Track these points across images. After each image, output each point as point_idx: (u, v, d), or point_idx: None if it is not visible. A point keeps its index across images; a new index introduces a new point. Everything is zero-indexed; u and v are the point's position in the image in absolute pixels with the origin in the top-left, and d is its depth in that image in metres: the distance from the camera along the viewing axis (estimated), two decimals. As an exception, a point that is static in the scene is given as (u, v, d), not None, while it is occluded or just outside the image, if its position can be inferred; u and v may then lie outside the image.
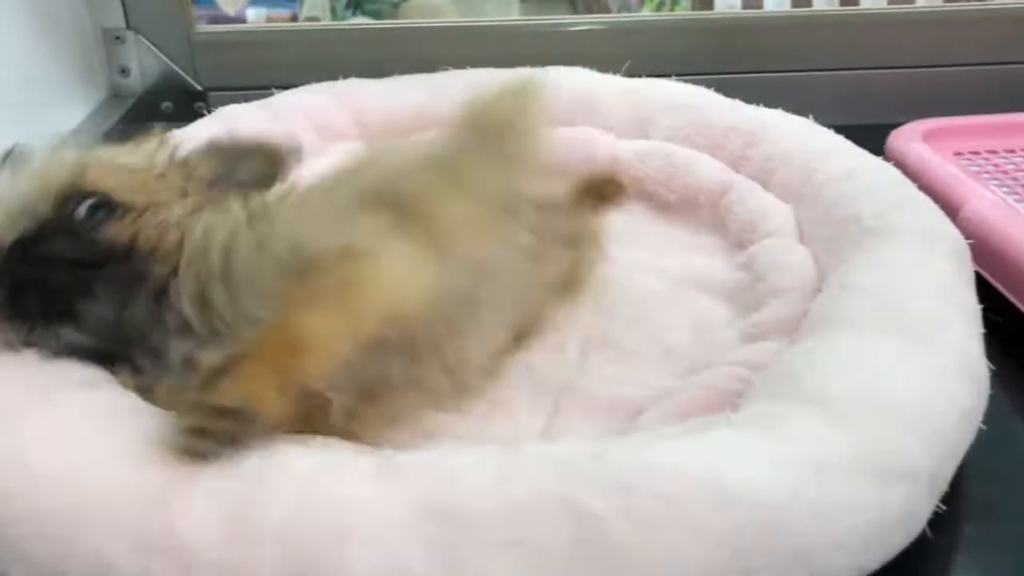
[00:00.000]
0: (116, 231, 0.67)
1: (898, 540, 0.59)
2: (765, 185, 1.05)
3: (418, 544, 0.52)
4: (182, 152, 0.78)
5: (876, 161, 1.00)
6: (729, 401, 0.74)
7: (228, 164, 0.77)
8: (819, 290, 0.84)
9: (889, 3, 1.51)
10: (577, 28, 1.47)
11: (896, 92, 1.40)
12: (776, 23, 1.45)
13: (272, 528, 0.52)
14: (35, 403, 0.62)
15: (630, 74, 1.26)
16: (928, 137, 1.17)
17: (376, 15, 2.02)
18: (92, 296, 0.65)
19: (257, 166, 0.78)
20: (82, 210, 0.66)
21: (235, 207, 0.71)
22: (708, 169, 1.09)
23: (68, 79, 1.34)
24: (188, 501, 0.54)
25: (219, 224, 0.69)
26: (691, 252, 1.03)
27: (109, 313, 0.65)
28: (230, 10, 1.53)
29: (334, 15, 1.96)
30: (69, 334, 0.66)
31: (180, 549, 0.52)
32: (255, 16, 1.79)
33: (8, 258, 0.64)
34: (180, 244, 0.69)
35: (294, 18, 1.84)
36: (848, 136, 1.06)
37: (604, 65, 1.27)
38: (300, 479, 0.55)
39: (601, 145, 1.16)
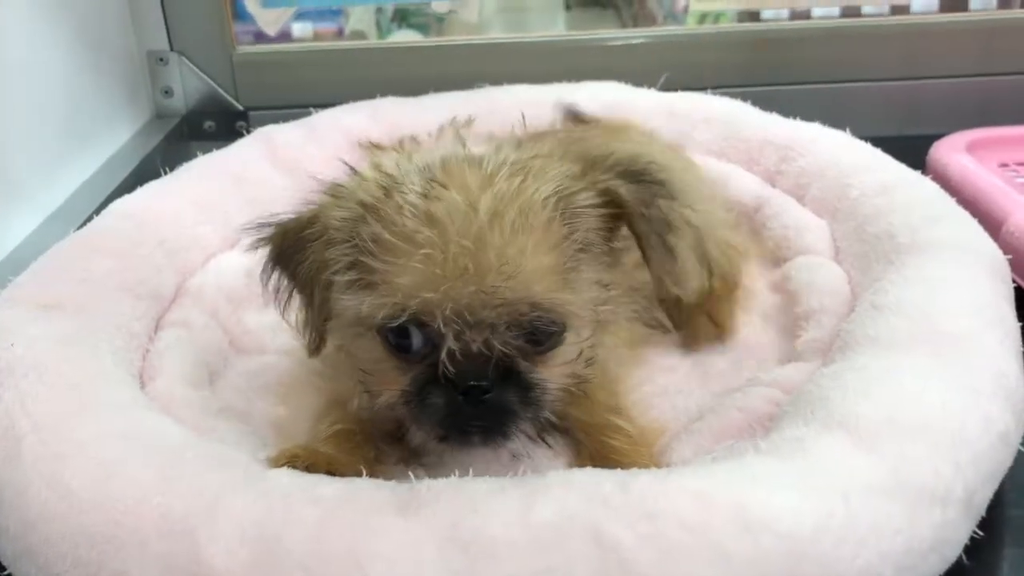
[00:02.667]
0: (551, 371, 0.66)
1: (932, 567, 0.57)
2: (800, 200, 1.04)
3: (441, 572, 0.52)
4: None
5: (913, 175, 0.98)
6: (760, 424, 0.73)
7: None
8: (852, 309, 0.83)
9: (940, 11, 1.47)
10: (617, 43, 1.47)
11: (939, 102, 1.38)
12: (817, 34, 1.43)
13: (296, 556, 0.53)
14: (79, 425, 0.64)
15: (667, 87, 1.26)
16: (972, 148, 1.15)
17: (421, 29, 2.03)
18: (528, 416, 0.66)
19: None
20: (534, 336, 0.64)
21: None
22: (743, 183, 1.09)
23: (114, 100, 1.37)
24: (214, 527, 0.55)
25: None
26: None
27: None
28: (271, 30, 1.55)
29: (379, 29, 1.98)
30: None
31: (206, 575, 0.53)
32: (301, 30, 1.81)
33: (467, 404, 0.63)
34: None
35: (340, 32, 1.86)
36: (889, 148, 1.04)
37: (642, 79, 1.27)
38: (325, 507, 0.55)
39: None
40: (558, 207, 0.64)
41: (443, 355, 0.61)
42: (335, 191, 0.69)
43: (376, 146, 0.77)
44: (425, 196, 0.63)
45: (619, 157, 0.73)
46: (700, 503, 0.54)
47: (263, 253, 0.71)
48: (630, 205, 0.68)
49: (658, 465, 0.70)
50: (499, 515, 0.54)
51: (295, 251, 0.68)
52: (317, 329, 0.70)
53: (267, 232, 0.71)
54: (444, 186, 0.63)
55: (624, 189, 0.68)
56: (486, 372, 0.62)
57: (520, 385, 0.64)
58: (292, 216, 0.71)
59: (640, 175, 0.70)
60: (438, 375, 0.62)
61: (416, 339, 0.63)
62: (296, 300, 0.71)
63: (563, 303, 0.63)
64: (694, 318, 0.88)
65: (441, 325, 0.60)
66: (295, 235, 0.69)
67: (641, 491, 0.55)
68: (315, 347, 0.71)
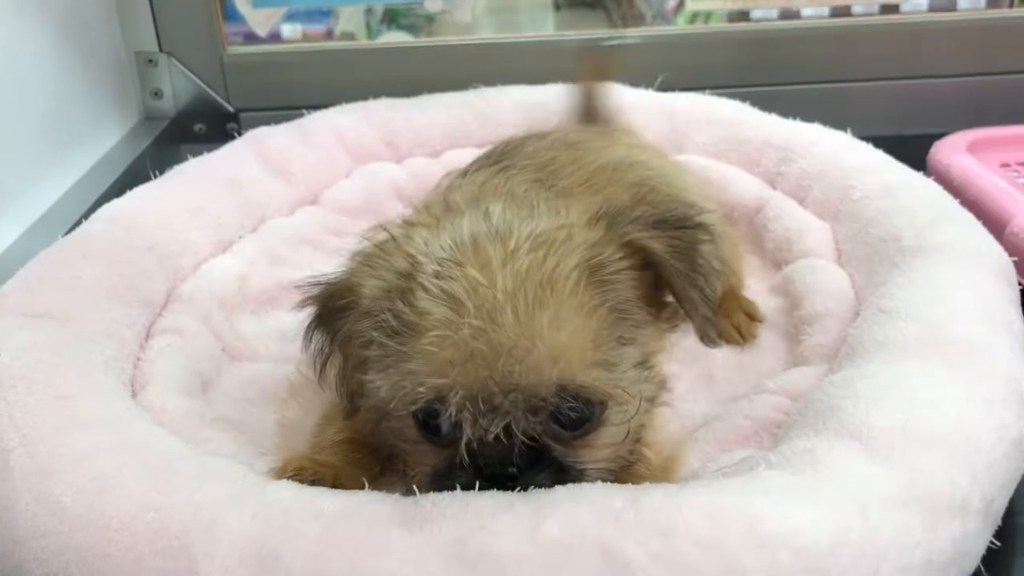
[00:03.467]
0: (594, 451, 0.61)
1: (953, 580, 0.56)
2: (802, 202, 1.03)
3: (446, 590, 0.50)
4: None
5: (916, 176, 0.97)
6: (768, 431, 0.72)
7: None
8: (857, 313, 0.82)
9: (931, 10, 1.47)
10: (610, 43, 1.46)
11: (940, 102, 1.37)
12: (814, 33, 1.42)
13: (296, 573, 0.52)
14: (69, 437, 0.62)
15: (664, 88, 1.24)
16: (973, 148, 1.14)
17: (411, 30, 2.01)
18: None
19: None
20: (564, 423, 0.59)
21: None
22: (744, 185, 1.08)
23: (102, 102, 1.35)
24: (211, 544, 0.53)
25: None
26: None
27: None
28: (261, 31, 1.53)
29: (369, 30, 1.96)
30: None
31: (204, 594, 0.51)
32: (290, 32, 1.79)
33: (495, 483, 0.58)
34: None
35: (329, 34, 1.84)
36: (890, 148, 1.04)
37: (638, 79, 1.25)
38: (325, 522, 0.54)
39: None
40: (583, 276, 0.60)
41: (462, 444, 0.58)
42: (369, 260, 0.66)
43: (408, 222, 0.71)
44: (442, 276, 0.60)
45: (647, 207, 0.69)
46: (713, 519, 0.52)
47: (306, 313, 0.68)
48: (662, 258, 0.63)
49: None
50: (507, 532, 0.52)
51: (333, 317, 0.66)
52: (348, 397, 0.67)
53: (312, 292, 0.68)
54: (461, 264, 0.60)
55: (656, 242, 0.63)
56: (510, 459, 0.58)
57: (555, 469, 0.59)
58: (334, 279, 0.68)
59: (678, 222, 0.66)
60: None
61: (444, 422, 0.59)
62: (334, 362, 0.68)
63: (595, 382, 0.58)
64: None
65: (454, 412, 0.57)
66: (335, 300, 0.66)
67: (652, 507, 0.53)
68: (348, 412, 0.68)
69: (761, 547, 0.51)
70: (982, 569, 0.58)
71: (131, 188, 1.02)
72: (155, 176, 1.06)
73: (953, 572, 0.56)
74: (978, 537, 0.58)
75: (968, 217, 0.88)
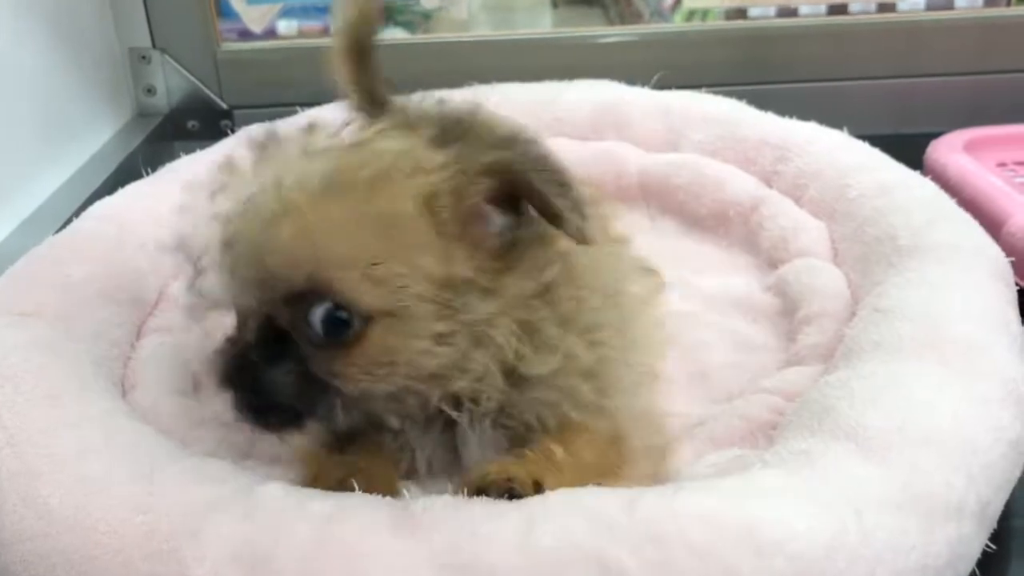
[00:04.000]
0: (347, 363, 0.57)
1: (948, 583, 0.56)
2: (798, 201, 1.02)
3: (437, 597, 0.50)
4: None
5: (912, 176, 0.97)
6: (763, 432, 0.71)
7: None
8: (853, 313, 0.81)
9: (928, 9, 1.46)
10: (608, 40, 1.45)
11: (936, 100, 1.36)
12: (810, 32, 1.41)
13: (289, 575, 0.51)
14: (57, 438, 0.61)
15: (661, 86, 1.24)
16: (970, 147, 1.13)
17: (408, 27, 2.01)
18: (318, 413, 0.59)
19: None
20: (316, 322, 0.56)
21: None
22: (740, 184, 1.07)
23: (95, 98, 1.34)
24: (201, 547, 0.52)
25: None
26: (726, 271, 1.00)
27: (335, 424, 0.60)
28: (256, 27, 1.52)
29: (363, 27, 1.95)
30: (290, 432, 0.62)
31: (193, 598, 0.51)
32: (286, 28, 1.78)
33: (230, 367, 0.58)
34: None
35: (326, 30, 1.84)
36: (886, 147, 1.03)
37: (635, 77, 1.25)
38: (316, 526, 0.53)
39: (629, 159, 1.14)
40: (420, 206, 0.56)
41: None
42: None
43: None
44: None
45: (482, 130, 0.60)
46: (709, 525, 0.52)
47: None
48: (527, 174, 0.56)
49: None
50: (499, 540, 0.51)
51: None
52: None
53: None
54: (264, 158, 0.59)
55: (515, 161, 0.57)
56: (248, 339, 0.57)
57: (302, 372, 0.57)
58: None
59: (514, 139, 0.58)
60: None
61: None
62: None
63: (354, 292, 0.55)
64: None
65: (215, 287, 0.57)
66: None
67: (647, 513, 0.52)
68: None
69: (757, 554, 0.50)
70: (977, 573, 0.58)
71: (123, 185, 1.02)
72: (148, 173, 1.05)
73: (948, 575, 0.56)
74: (974, 540, 0.58)
75: (965, 217, 0.88)
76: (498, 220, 0.59)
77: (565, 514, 0.53)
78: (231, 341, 0.59)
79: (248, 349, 0.57)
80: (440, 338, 0.57)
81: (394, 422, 0.61)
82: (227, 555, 0.52)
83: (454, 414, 0.61)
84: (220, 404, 0.77)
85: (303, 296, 0.55)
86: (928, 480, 0.57)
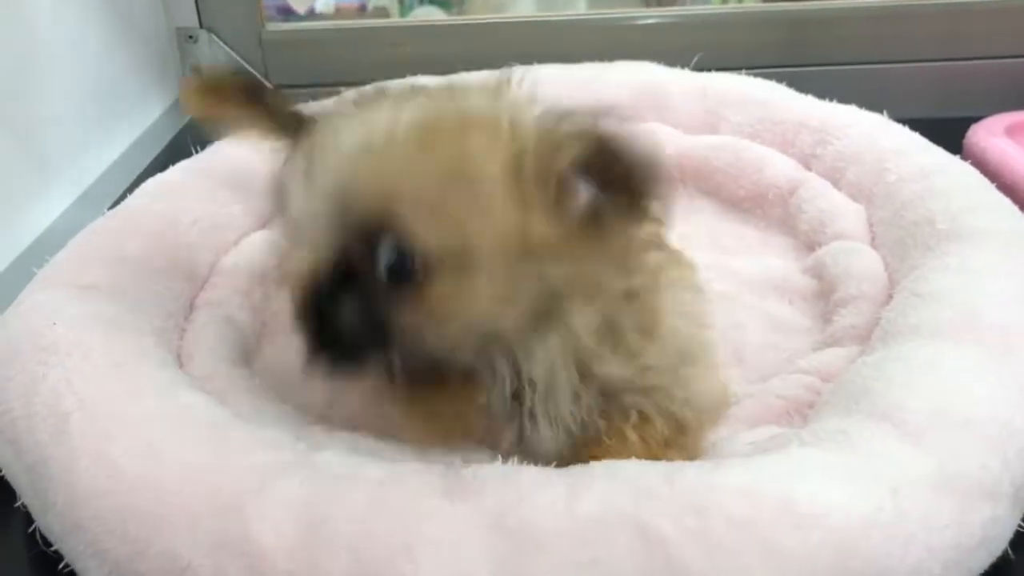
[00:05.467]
0: (409, 307, 0.56)
1: (979, 562, 0.57)
2: (836, 184, 1.03)
3: (485, 559, 0.52)
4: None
5: (952, 160, 0.97)
6: (798, 411, 0.73)
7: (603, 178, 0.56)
8: (890, 296, 0.82)
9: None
10: (646, 21, 1.46)
11: (977, 84, 1.35)
12: (850, 13, 1.41)
13: (344, 536, 0.53)
14: (125, 403, 0.64)
15: (700, 68, 1.24)
16: (1011, 131, 1.13)
17: (443, 6, 2.01)
18: (378, 354, 0.59)
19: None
20: (382, 258, 0.55)
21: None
22: (778, 166, 1.07)
23: (143, 78, 1.37)
24: (264, 507, 0.55)
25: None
26: (764, 253, 1.01)
27: (393, 370, 0.59)
28: (300, 7, 1.54)
29: (401, 5, 1.97)
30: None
31: (255, 555, 0.54)
32: (323, 6, 1.80)
33: (303, 301, 0.57)
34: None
35: (362, 8, 1.85)
36: (925, 131, 1.03)
37: (672, 59, 1.25)
38: (372, 489, 0.56)
39: (668, 140, 1.14)
40: (505, 166, 0.55)
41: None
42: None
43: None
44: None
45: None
46: (748, 498, 0.53)
47: None
48: (611, 138, 0.55)
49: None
50: (546, 505, 0.54)
51: None
52: None
53: None
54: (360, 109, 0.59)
55: (599, 124, 0.56)
56: (318, 272, 0.56)
57: (367, 309, 0.56)
58: None
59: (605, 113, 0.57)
60: None
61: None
62: None
63: (426, 234, 0.54)
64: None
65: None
66: None
67: (687, 485, 0.54)
68: None
69: (795, 526, 0.52)
70: (1009, 552, 0.59)
71: (173, 163, 1.04)
72: (196, 151, 1.08)
73: (981, 555, 0.57)
74: (1007, 521, 0.59)
75: (1005, 202, 0.88)
76: (583, 190, 0.57)
77: (608, 483, 0.55)
78: (306, 278, 0.57)
79: (320, 284, 0.56)
80: (507, 300, 0.57)
81: (455, 377, 0.62)
82: (287, 514, 0.54)
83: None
84: (272, 372, 0.81)
85: (373, 230, 0.54)
86: (964, 462, 0.58)
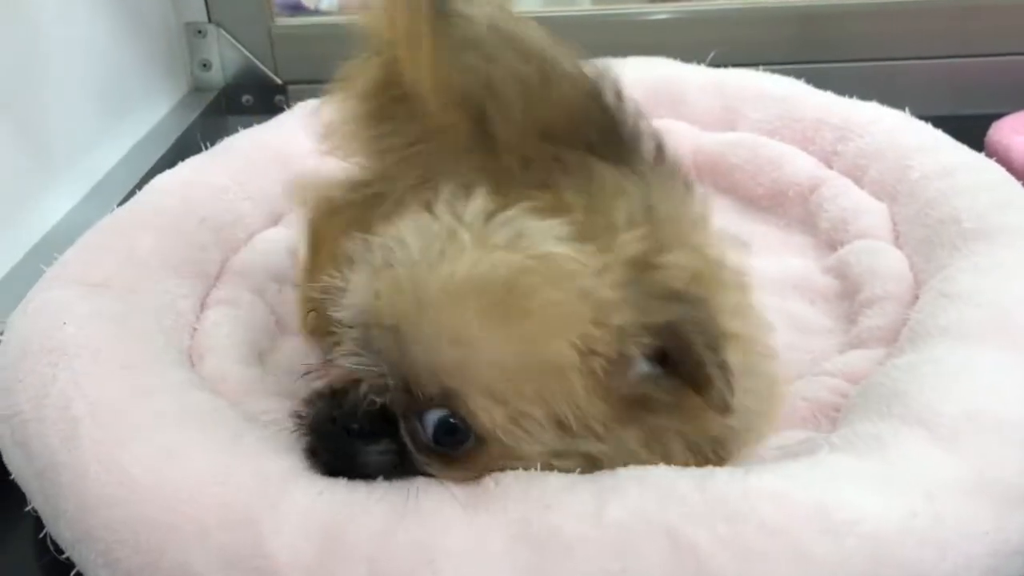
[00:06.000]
0: (451, 469, 0.55)
1: (1016, 570, 0.55)
2: (858, 182, 1.01)
3: (509, 570, 0.51)
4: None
5: (976, 157, 0.96)
6: (825, 414, 0.71)
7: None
8: (916, 296, 0.81)
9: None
10: (661, 16, 1.44)
11: (999, 80, 1.33)
12: (870, 9, 1.38)
13: (362, 550, 0.52)
14: (136, 407, 0.63)
15: (716, 64, 1.22)
16: (1034, 128, 1.11)
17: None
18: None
19: None
20: (429, 425, 0.53)
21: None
22: (798, 163, 1.06)
23: (152, 73, 1.35)
24: (280, 521, 0.53)
25: None
26: (784, 252, 0.99)
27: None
28: (310, 2, 1.53)
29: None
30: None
31: (270, 570, 0.52)
32: (329, 1, 1.79)
33: (325, 429, 0.56)
34: None
35: (365, 4, 1.83)
36: (948, 128, 1.01)
37: (686, 55, 1.24)
38: (391, 499, 0.54)
39: (684, 137, 1.13)
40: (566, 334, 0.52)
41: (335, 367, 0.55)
42: None
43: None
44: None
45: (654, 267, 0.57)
46: (780, 504, 0.52)
47: None
48: (687, 332, 0.53)
49: None
50: (571, 512, 0.52)
51: None
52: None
53: None
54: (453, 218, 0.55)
55: (677, 318, 0.53)
56: (357, 409, 0.54)
57: (399, 455, 0.55)
58: None
59: (686, 297, 0.55)
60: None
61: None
62: None
63: (483, 413, 0.52)
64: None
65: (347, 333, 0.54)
66: None
67: (718, 491, 0.53)
68: None
69: (828, 533, 0.51)
70: (1046, 559, 0.57)
71: (181, 159, 1.03)
72: (205, 147, 1.07)
73: (1018, 561, 0.55)
74: (1045, 527, 0.57)
75: (1031, 200, 0.87)
76: (642, 369, 0.55)
77: (637, 489, 0.53)
78: (328, 400, 0.56)
79: (350, 417, 0.54)
80: (549, 462, 0.55)
81: None
82: (303, 528, 0.53)
83: None
84: (284, 373, 0.80)
85: (431, 398, 0.52)
86: (1000, 467, 0.56)
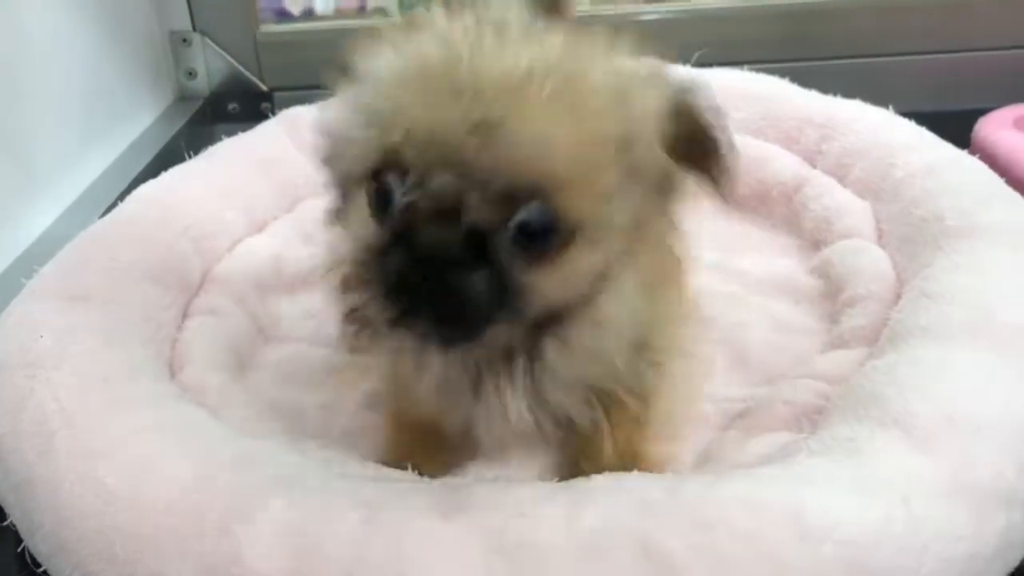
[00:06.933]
0: (544, 274, 0.52)
1: (996, 573, 0.55)
2: (842, 180, 1.01)
3: (484, 579, 0.50)
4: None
5: (960, 155, 0.95)
6: (807, 417, 0.71)
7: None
8: (899, 296, 0.80)
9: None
10: (647, 17, 1.43)
11: (984, 76, 1.32)
12: (853, 6, 1.38)
13: (337, 560, 0.52)
14: (112, 419, 0.62)
15: (701, 63, 1.22)
16: (1020, 124, 1.11)
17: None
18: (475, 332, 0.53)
19: None
20: (525, 225, 0.50)
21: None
22: (782, 163, 1.05)
23: (137, 82, 1.35)
24: (255, 530, 0.53)
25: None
26: (769, 252, 0.99)
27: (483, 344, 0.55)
28: (295, 8, 1.52)
29: (401, 5, 1.95)
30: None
31: (246, 579, 0.52)
32: (323, 7, 1.78)
33: (412, 270, 0.50)
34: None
35: (362, 8, 1.83)
36: (933, 124, 1.01)
37: (673, 56, 1.23)
38: (365, 512, 0.54)
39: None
40: (614, 97, 0.51)
41: (402, 209, 0.49)
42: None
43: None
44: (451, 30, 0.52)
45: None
46: (754, 511, 0.52)
47: None
48: (703, 115, 0.54)
49: None
50: (546, 521, 0.52)
51: None
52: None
53: None
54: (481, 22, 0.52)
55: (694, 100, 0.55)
56: (448, 239, 0.49)
57: (497, 278, 0.50)
58: None
59: (697, 85, 0.56)
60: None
61: (396, 191, 0.50)
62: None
63: (575, 200, 0.50)
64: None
65: (410, 159, 0.49)
66: None
67: (691, 498, 0.53)
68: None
69: (802, 540, 0.50)
70: (1027, 561, 0.57)
71: (166, 168, 1.02)
72: (190, 156, 1.06)
73: (998, 565, 0.55)
74: (1023, 530, 0.57)
75: (1015, 197, 0.86)
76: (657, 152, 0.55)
77: (610, 498, 0.53)
78: (399, 249, 0.50)
79: (437, 249, 0.49)
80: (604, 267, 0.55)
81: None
82: (279, 537, 0.52)
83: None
84: (266, 382, 0.80)
85: (518, 194, 0.49)
86: (978, 469, 0.56)
